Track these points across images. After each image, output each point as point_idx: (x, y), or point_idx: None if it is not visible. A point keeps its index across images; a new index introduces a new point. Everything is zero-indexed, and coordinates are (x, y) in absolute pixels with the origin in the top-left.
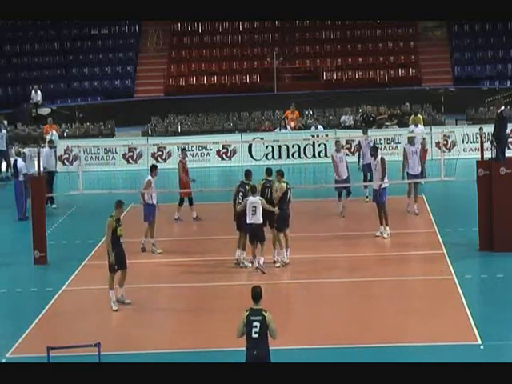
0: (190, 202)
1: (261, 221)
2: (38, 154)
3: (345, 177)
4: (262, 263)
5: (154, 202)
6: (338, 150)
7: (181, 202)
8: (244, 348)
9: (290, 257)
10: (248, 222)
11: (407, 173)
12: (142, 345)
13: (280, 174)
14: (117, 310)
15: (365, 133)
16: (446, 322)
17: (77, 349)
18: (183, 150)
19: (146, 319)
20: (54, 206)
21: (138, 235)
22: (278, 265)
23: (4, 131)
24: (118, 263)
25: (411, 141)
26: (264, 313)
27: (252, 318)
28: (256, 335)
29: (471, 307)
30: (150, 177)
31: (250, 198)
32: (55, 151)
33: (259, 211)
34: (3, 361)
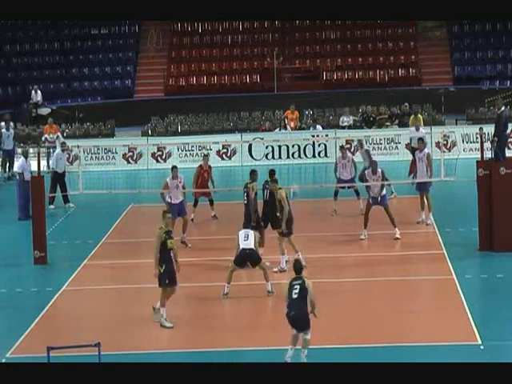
0: (211, 203)
1: (252, 246)
2: (38, 154)
3: (348, 178)
4: (270, 289)
5: (172, 201)
6: (343, 157)
7: (195, 203)
8: (244, 348)
9: (288, 257)
10: (241, 246)
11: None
12: (142, 345)
13: (272, 174)
14: (172, 327)
15: (362, 146)
16: (446, 322)
17: (77, 349)
18: (205, 155)
19: (146, 319)
20: (51, 206)
21: (138, 235)
22: (275, 269)
23: (12, 131)
24: (170, 279)
25: (419, 145)
26: (304, 278)
27: (294, 282)
28: (296, 295)
29: (471, 307)
30: (167, 178)
31: (243, 229)
32: (66, 153)
33: (252, 238)
34: (3, 361)
